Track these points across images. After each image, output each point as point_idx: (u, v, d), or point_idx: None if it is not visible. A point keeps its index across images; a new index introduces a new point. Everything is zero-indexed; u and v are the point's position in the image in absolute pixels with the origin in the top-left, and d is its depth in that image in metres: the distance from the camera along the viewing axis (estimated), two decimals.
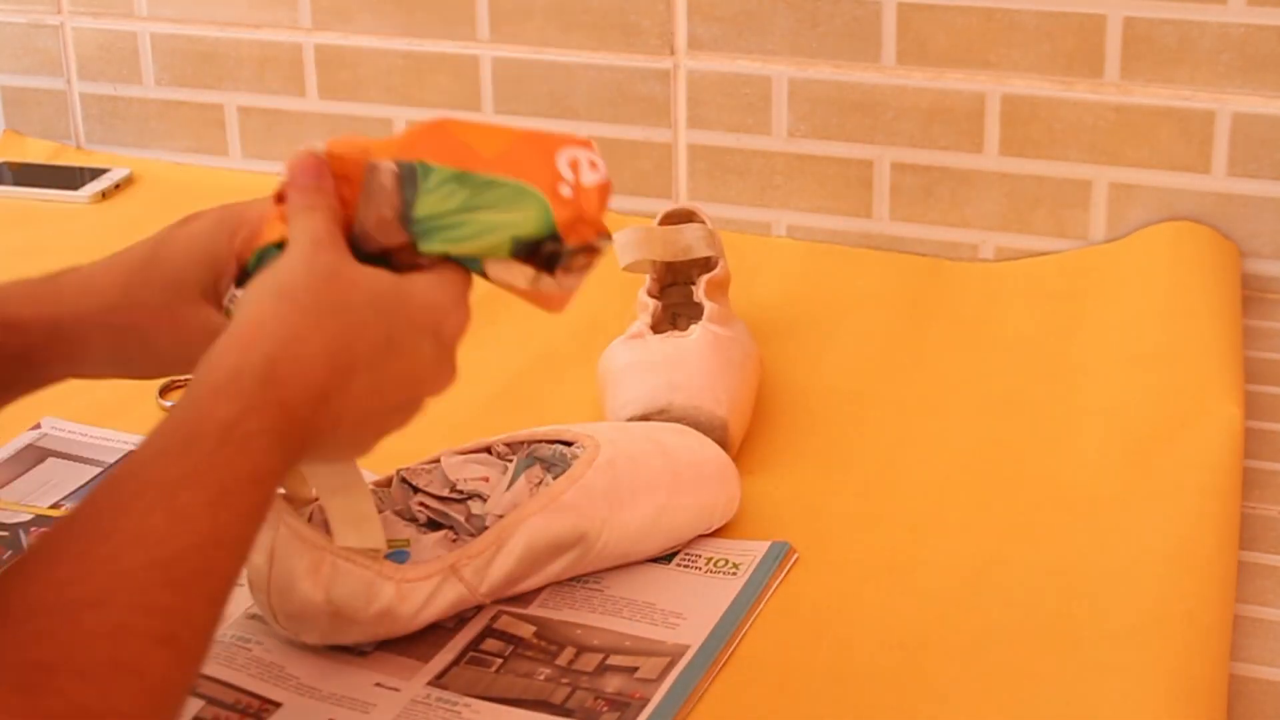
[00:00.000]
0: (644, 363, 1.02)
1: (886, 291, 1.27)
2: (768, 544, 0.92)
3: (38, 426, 1.07)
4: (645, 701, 0.79)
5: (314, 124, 1.51)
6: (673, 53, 1.37)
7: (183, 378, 1.14)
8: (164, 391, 1.13)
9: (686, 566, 0.90)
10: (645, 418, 0.98)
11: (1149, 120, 1.26)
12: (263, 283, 0.69)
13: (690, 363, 1.01)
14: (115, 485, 0.61)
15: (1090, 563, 0.90)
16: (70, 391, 1.13)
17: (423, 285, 0.74)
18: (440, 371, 0.75)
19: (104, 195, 1.50)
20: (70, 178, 1.52)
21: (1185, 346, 1.11)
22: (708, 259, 1.13)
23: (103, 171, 1.53)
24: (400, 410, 0.73)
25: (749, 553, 0.91)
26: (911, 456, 1.03)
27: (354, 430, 0.71)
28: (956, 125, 1.31)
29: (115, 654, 0.56)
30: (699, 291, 1.09)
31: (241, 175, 1.54)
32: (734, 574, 0.89)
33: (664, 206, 1.39)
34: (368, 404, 0.70)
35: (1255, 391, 1.10)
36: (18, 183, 1.53)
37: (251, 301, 0.69)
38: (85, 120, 1.59)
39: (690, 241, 1.13)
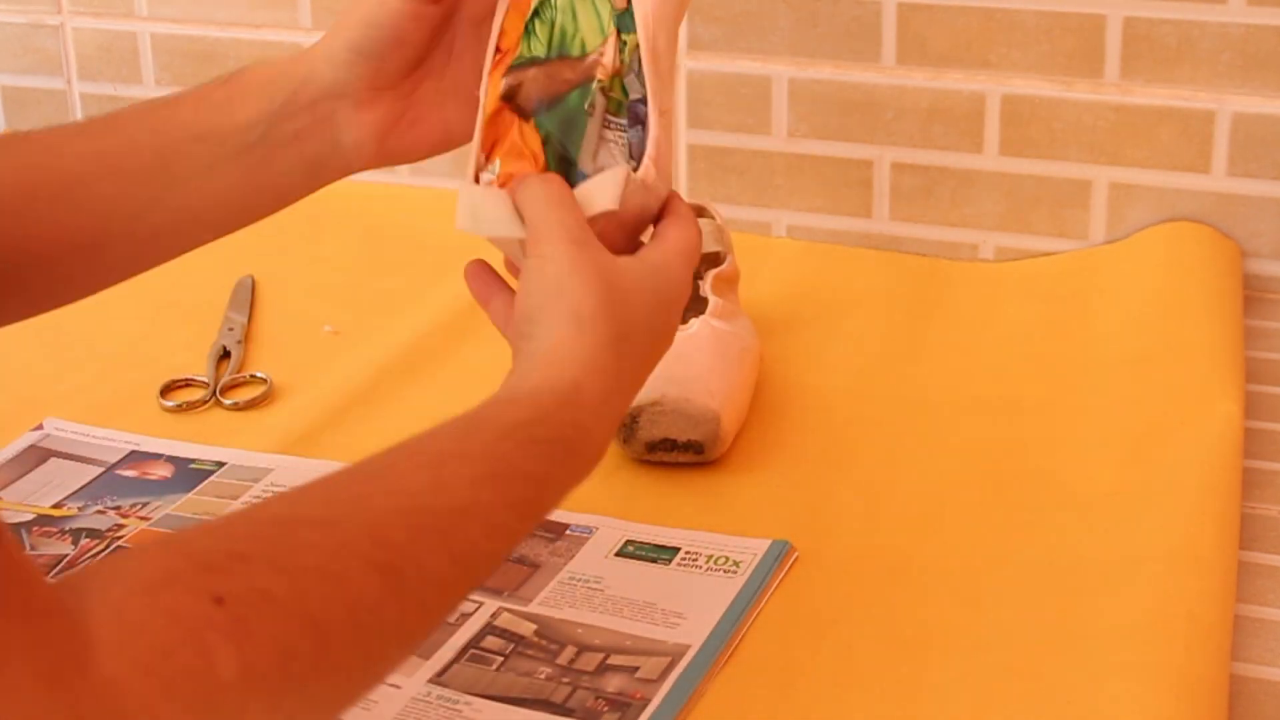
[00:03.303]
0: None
1: (886, 291, 1.27)
2: (768, 542, 0.92)
3: (40, 427, 1.08)
4: (646, 702, 0.79)
5: None
6: None
7: (184, 376, 1.14)
8: (165, 391, 1.13)
9: (687, 565, 0.90)
10: (638, 409, 0.99)
11: (1149, 120, 1.26)
12: (555, 307, 0.71)
13: (687, 356, 1.01)
14: (386, 452, 0.62)
15: (1090, 562, 0.90)
16: (72, 392, 1.13)
17: (673, 240, 0.77)
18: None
19: None
20: None
21: (1185, 346, 1.11)
22: (715, 254, 1.13)
23: None
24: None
25: (749, 551, 0.91)
26: (911, 456, 1.03)
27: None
28: (956, 125, 1.31)
29: (324, 563, 0.55)
30: (705, 286, 1.09)
31: None
32: (734, 572, 0.89)
33: None
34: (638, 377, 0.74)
35: (1255, 391, 1.10)
36: None
37: (549, 326, 0.70)
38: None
39: None
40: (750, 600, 0.87)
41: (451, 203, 1.55)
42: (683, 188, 1.40)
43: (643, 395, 0.99)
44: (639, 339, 0.72)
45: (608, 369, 0.69)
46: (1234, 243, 1.26)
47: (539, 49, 0.79)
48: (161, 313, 1.26)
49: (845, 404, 1.10)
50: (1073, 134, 1.28)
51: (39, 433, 1.07)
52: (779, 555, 0.91)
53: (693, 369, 1.01)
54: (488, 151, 0.79)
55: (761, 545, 0.91)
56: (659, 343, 0.75)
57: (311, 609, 0.54)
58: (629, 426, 0.99)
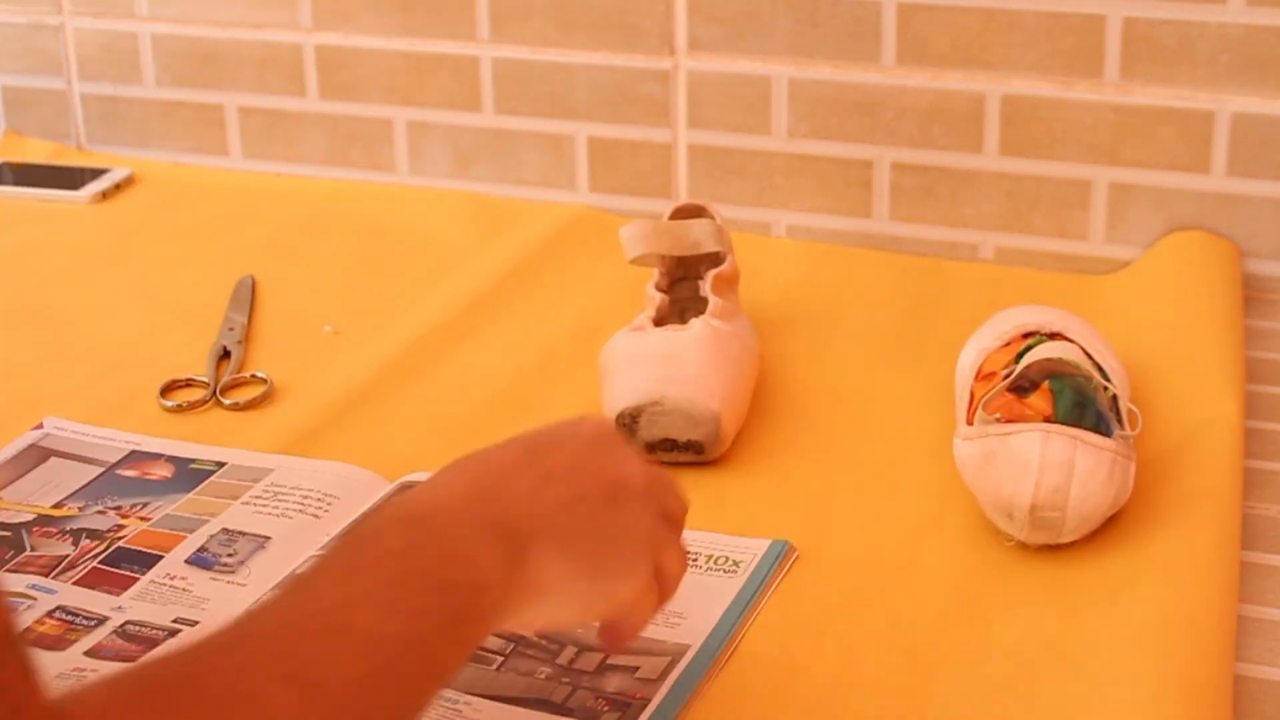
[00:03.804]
0: (642, 355, 1.03)
1: (886, 291, 1.27)
2: (768, 542, 0.92)
3: (40, 426, 1.08)
4: (646, 701, 0.79)
5: (314, 124, 1.51)
6: (673, 53, 1.37)
7: (184, 376, 1.14)
8: (165, 391, 1.13)
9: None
10: (638, 409, 0.99)
11: (1149, 120, 1.26)
12: None
13: (686, 356, 1.02)
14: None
15: (1090, 565, 0.90)
16: (73, 392, 1.13)
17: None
18: (626, 468, 0.73)
19: (104, 195, 1.50)
20: (71, 178, 1.52)
21: (1185, 346, 1.11)
22: (716, 254, 1.13)
23: (103, 172, 1.53)
24: (609, 538, 0.71)
25: (749, 551, 0.91)
26: (912, 456, 1.03)
27: (556, 560, 0.68)
28: (956, 125, 1.31)
29: (237, 685, 0.55)
30: (705, 286, 1.09)
31: (242, 175, 1.54)
32: (734, 572, 0.89)
33: (664, 206, 1.39)
34: (533, 498, 0.69)
35: (1255, 391, 1.10)
36: (18, 183, 1.53)
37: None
38: (86, 120, 1.60)
39: (698, 237, 1.13)
40: (750, 600, 0.87)
41: (452, 203, 1.56)
42: (683, 188, 1.40)
43: (643, 394, 0.99)
44: (494, 447, 0.72)
45: (448, 468, 0.70)
46: (1233, 243, 1.26)
47: None
48: (161, 313, 1.26)
49: (844, 404, 1.10)
50: (1073, 134, 1.28)
51: (39, 432, 1.07)
52: (779, 555, 0.91)
53: (693, 369, 1.01)
54: None
55: (761, 545, 0.91)
56: (519, 448, 0.72)
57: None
58: (629, 427, 0.99)
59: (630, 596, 0.72)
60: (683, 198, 1.40)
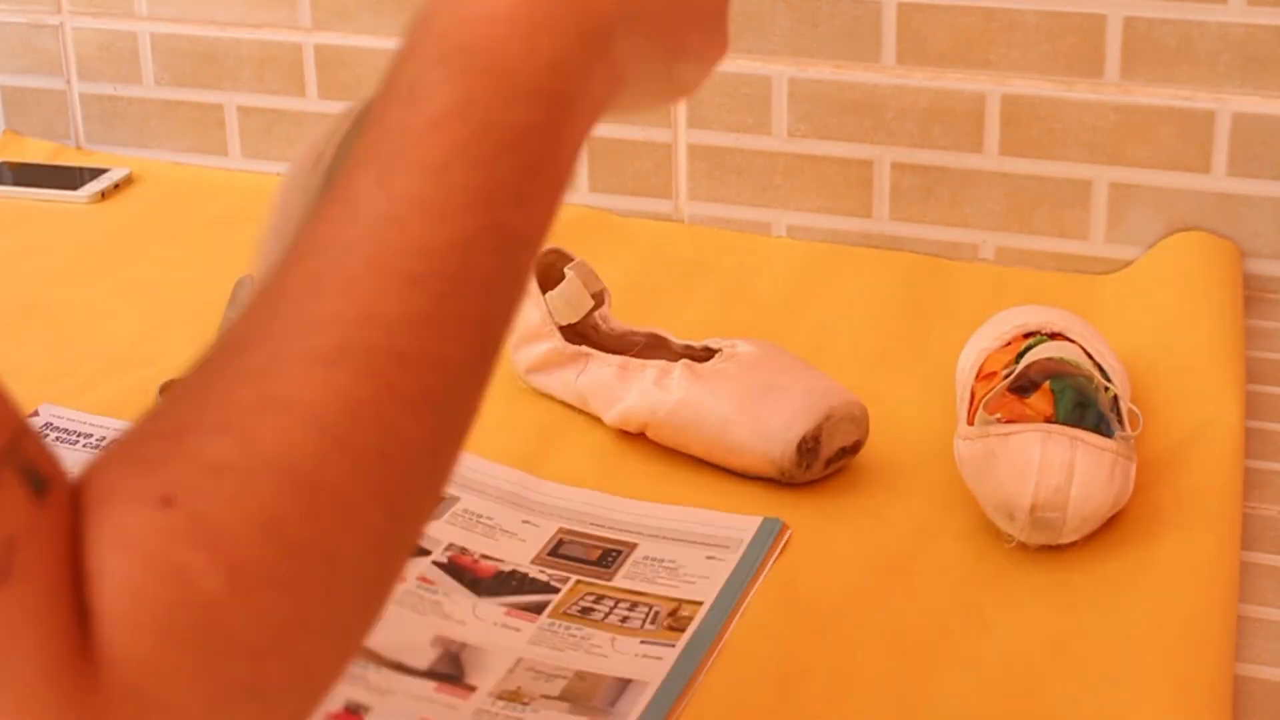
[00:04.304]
0: (755, 386, 1.00)
1: (886, 291, 1.27)
2: (759, 520, 0.93)
3: (36, 414, 1.08)
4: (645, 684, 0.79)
5: (314, 124, 1.50)
6: None
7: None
8: (164, 390, 1.13)
9: (679, 540, 0.91)
10: (817, 429, 0.97)
11: (1149, 120, 1.26)
12: None
13: (783, 372, 1.01)
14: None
15: (1091, 565, 0.90)
16: (72, 391, 1.13)
17: None
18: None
19: (103, 195, 1.50)
20: (70, 178, 1.52)
21: (1185, 346, 1.11)
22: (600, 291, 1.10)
23: (102, 171, 1.53)
24: (686, 11, 0.59)
25: (741, 530, 0.92)
26: (912, 457, 1.03)
27: (640, 44, 0.56)
28: (956, 125, 1.31)
29: (261, 392, 0.45)
30: (611, 323, 1.09)
31: (241, 175, 1.54)
32: (726, 549, 0.90)
33: (664, 206, 1.39)
34: (615, 4, 0.54)
35: (1255, 391, 1.10)
36: (17, 183, 1.53)
37: None
38: (85, 120, 1.59)
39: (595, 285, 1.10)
40: (744, 581, 0.88)
41: None
42: (683, 188, 1.40)
43: (811, 416, 0.97)
44: None
45: None
46: (1233, 243, 1.26)
47: None
48: (161, 312, 1.26)
49: None
50: (1073, 134, 1.28)
51: (35, 419, 1.07)
52: (772, 533, 0.92)
53: (805, 379, 1.00)
54: None
55: (753, 523, 0.92)
56: None
57: (274, 456, 0.44)
58: (811, 452, 0.97)
59: (700, 79, 0.62)
60: (683, 197, 1.40)
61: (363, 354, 0.46)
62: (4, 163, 1.57)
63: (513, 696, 0.78)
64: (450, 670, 0.80)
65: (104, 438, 1.05)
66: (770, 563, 0.90)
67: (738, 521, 0.93)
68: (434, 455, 0.48)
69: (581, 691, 0.79)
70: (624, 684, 0.79)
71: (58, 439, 1.04)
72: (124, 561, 0.42)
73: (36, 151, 1.59)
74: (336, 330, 0.46)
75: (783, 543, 0.92)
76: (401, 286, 0.47)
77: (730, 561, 0.89)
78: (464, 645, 0.82)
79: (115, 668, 0.41)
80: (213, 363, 0.47)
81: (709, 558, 0.90)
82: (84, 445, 1.04)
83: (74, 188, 1.50)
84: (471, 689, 0.79)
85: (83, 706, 0.41)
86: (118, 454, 0.45)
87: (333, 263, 0.47)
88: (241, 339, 0.47)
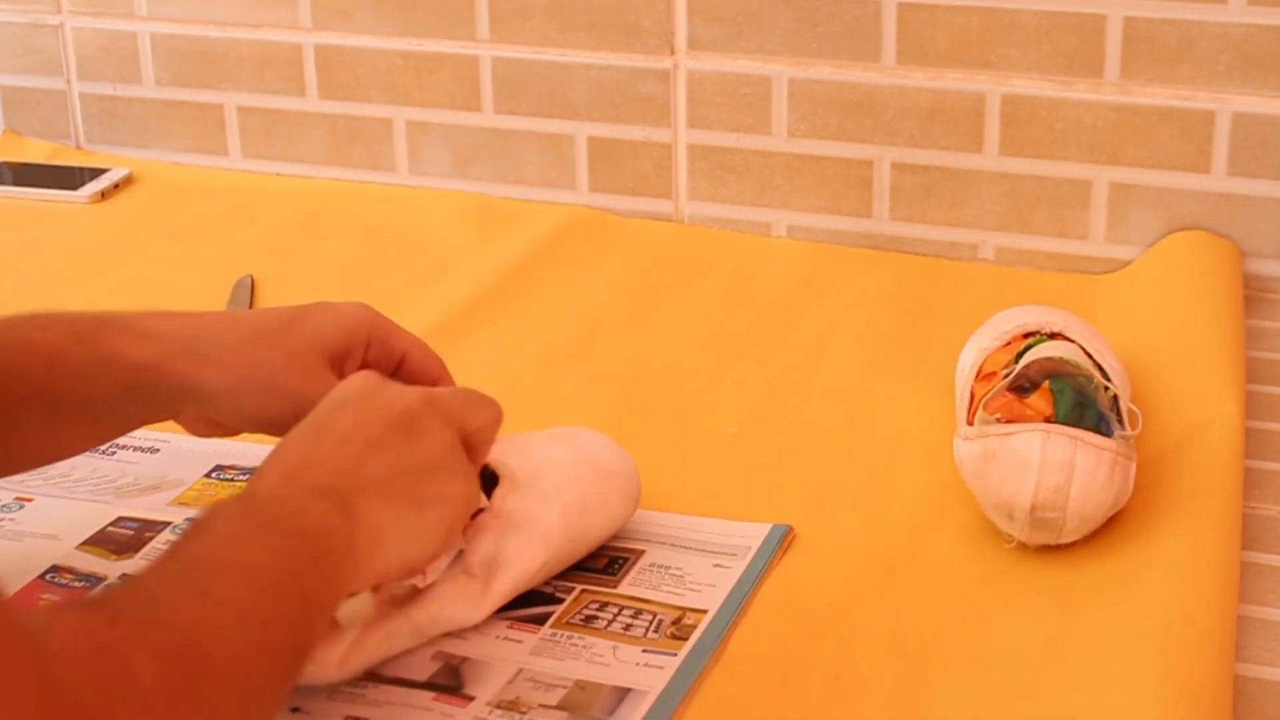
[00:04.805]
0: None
1: (886, 291, 1.27)
2: (769, 526, 0.93)
3: None
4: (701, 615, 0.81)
5: (314, 124, 1.51)
6: (673, 53, 1.37)
7: None
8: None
9: (688, 548, 0.91)
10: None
11: (1149, 120, 1.26)
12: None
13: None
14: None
15: (1090, 565, 0.90)
16: None
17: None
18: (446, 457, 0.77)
19: (103, 195, 1.50)
20: (69, 178, 1.52)
21: (1185, 346, 1.11)
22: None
23: (102, 171, 1.53)
24: (414, 469, 0.75)
25: (750, 535, 0.92)
26: (912, 457, 1.03)
27: (379, 505, 0.73)
28: (956, 125, 1.31)
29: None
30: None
31: (241, 175, 1.54)
32: (734, 556, 0.90)
33: (664, 206, 1.39)
34: (348, 462, 0.74)
35: (1255, 391, 1.10)
36: (17, 183, 1.53)
37: None
38: (85, 120, 1.59)
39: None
40: (751, 585, 0.88)
41: (452, 203, 1.55)
42: (683, 187, 1.40)
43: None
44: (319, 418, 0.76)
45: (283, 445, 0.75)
46: (1233, 243, 1.26)
47: None
48: None
49: (844, 404, 1.10)
50: (1073, 134, 1.28)
51: None
52: (779, 538, 0.92)
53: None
54: None
55: (762, 529, 0.92)
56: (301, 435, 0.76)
57: (187, 622, 0.61)
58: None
59: (463, 510, 0.77)
60: (683, 197, 1.40)
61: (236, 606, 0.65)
62: (4, 163, 1.57)
63: (511, 706, 0.78)
64: (449, 681, 0.80)
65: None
66: (774, 566, 0.90)
67: (747, 529, 0.93)
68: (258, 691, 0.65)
69: (580, 701, 0.78)
70: (624, 693, 0.79)
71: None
72: (86, 651, 0.57)
73: (36, 151, 1.59)
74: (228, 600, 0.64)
75: (787, 545, 0.92)
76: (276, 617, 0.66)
77: (737, 569, 0.89)
78: (464, 659, 0.81)
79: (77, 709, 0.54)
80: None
81: (716, 565, 0.90)
82: None
83: (74, 188, 1.50)
84: (470, 699, 0.79)
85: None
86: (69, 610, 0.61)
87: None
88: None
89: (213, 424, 0.86)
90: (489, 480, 0.86)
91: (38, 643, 0.54)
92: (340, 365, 0.85)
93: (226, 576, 0.65)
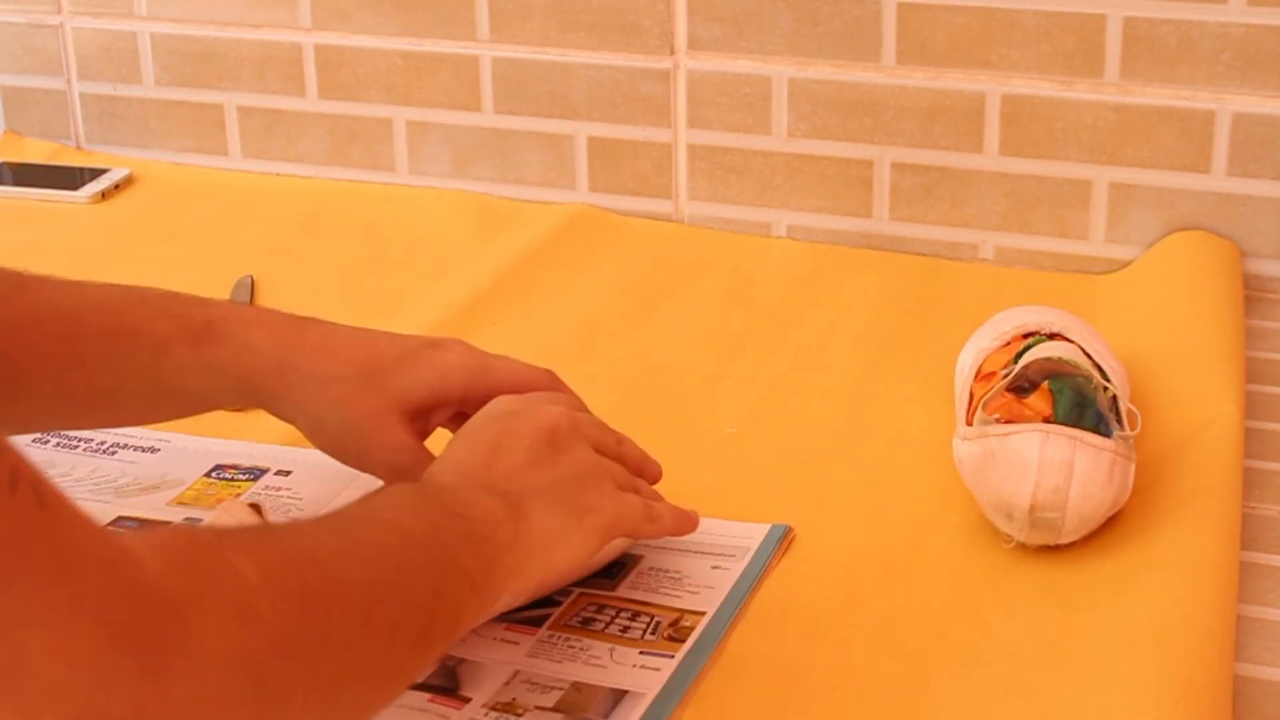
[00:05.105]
0: None
1: (886, 291, 1.27)
2: (768, 526, 0.92)
3: None
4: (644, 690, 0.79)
5: (314, 124, 1.51)
6: (673, 53, 1.37)
7: None
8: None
9: (686, 550, 0.91)
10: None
11: (1149, 120, 1.26)
12: None
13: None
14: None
15: (1090, 565, 0.90)
16: None
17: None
18: (569, 444, 0.83)
19: (103, 195, 1.50)
20: (70, 178, 1.52)
21: (1185, 346, 1.11)
22: None
23: (102, 172, 1.53)
24: (570, 479, 0.81)
25: (749, 536, 0.92)
26: (912, 457, 1.03)
27: (534, 500, 0.78)
28: (956, 125, 1.31)
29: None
30: None
31: (241, 175, 1.54)
32: (733, 557, 0.90)
33: (664, 206, 1.39)
34: (515, 473, 0.79)
35: (1255, 391, 1.10)
36: (17, 183, 1.53)
37: None
38: (85, 120, 1.59)
39: None
40: (749, 586, 0.88)
41: (452, 203, 1.55)
42: (683, 188, 1.40)
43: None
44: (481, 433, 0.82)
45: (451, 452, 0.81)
46: (1233, 243, 1.26)
47: None
48: None
49: (844, 405, 1.10)
50: (1073, 134, 1.28)
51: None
52: (778, 539, 0.92)
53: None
54: None
55: (761, 530, 0.92)
56: (508, 438, 0.82)
57: (309, 544, 0.63)
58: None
59: (616, 514, 0.81)
60: (683, 197, 1.40)
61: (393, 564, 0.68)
62: (4, 163, 1.57)
63: (506, 708, 0.78)
64: (446, 683, 0.80)
65: (104, 441, 1.04)
66: (773, 567, 0.90)
67: (746, 529, 0.93)
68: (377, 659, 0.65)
69: (576, 702, 0.78)
70: (620, 694, 0.79)
71: (59, 444, 1.04)
72: (185, 545, 0.57)
73: (36, 151, 1.59)
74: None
75: (786, 546, 0.92)
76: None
77: (735, 570, 0.89)
78: (461, 660, 0.81)
79: (160, 593, 0.53)
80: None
81: (714, 567, 0.89)
82: (84, 450, 1.04)
83: (74, 188, 1.50)
84: (465, 700, 0.78)
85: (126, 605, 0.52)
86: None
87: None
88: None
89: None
90: None
91: (123, 546, 0.53)
92: (427, 417, 0.90)
93: (371, 525, 0.68)
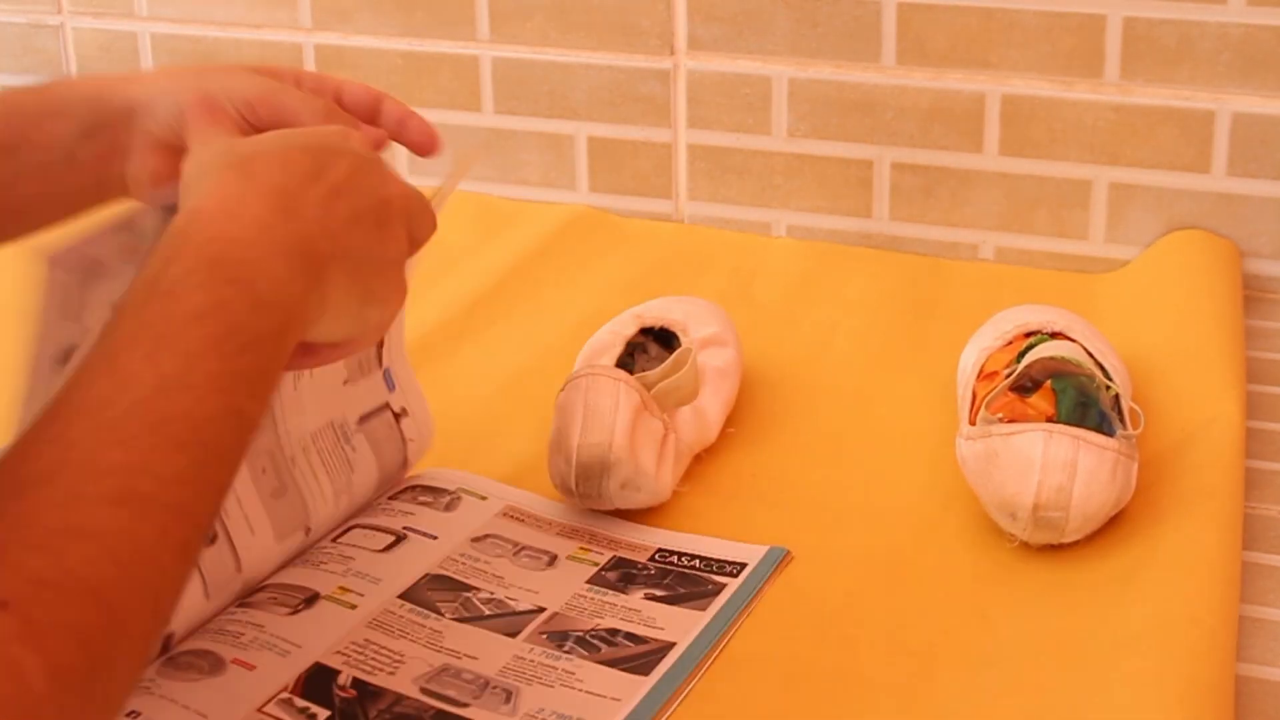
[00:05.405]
0: None
1: (886, 291, 1.27)
2: (765, 548, 0.92)
3: None
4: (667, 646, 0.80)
5: None
6: (673, 53, 1.37)
7: None
8: None
9: (682, 566, 0.90)
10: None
11: (1149, 120, 1.26)
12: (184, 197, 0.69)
13: None
14: (74, 379, 0.60)
15: (1092, 564, 0.90)
16: None
17: (311, 124, 0.76)
18: (378, 178, 0.73)
19: None
20: None
21: (1186, 346, 1.11)
22: None
23: None
24: (376, 227, 0.71)
25: (747, 556, 0.91)
26: (913, 457, 1.03)
27: (335, 247, 0.69)
28: (956, 125, 1.31)
29: (66, 520, 0.54)
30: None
31: None
32: (734, 576, 0.89)
33: (664, 206, 1.40)
34: (322, 216, 0.69)
35: (1255, 391, 1.10)
36: None
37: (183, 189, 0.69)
38: None
39: None
40: (742, 604, 0.86)
41: (452, 203, 1.55)
42: (683, 188, 1.40)
43: None
44: (265, 154, 0.70)
45: (228, 181, 0.68)
46: (1233, 243, 1.26)
47: None
48: None
49: (845, 404, 1.10)
50: (1073, 134, 1.28)
51: None
52: (775, 561, 0.90)
53: None
54: None
55: (759, 551, 0.91)
56: (322, 182, 0.70)
57: (81, 573, 0.54)
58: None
59: (379, 323, 0.73)
60: (683, 197, 1.40)
61: (143, 500, 0.57)
62: None
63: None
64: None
65: None
66: (768, 588, 0.89)
67: (742, 551, 0.91)
68: (177, 591, 0.59)
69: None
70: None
71: None
72: None
73: None
74: (122, 477, 0.57)
75: (783, 569, 0.90)
76: (171, 449, 0.58)
77: (720, 601, 0.87)
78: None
79: None
80: (14, 486, 0.56)
81: (703, 595, 0.88)
82: None
83: None
84: None
85: None
86: None
87: (111, 421, 0.58)
88: (37, 470, 0.56)
89: (161, 151, 0.81)
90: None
91: None
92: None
93: (159, 445, 0.59)
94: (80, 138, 0.83)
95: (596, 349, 1.02)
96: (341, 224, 0.69)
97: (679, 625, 0.84)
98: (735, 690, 0.81)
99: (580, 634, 0.84)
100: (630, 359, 1.04)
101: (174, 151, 0.78)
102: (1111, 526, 0.92)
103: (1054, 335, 1.01)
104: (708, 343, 1.05)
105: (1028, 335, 1.02)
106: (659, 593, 0.88)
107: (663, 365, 0.97)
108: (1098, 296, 1.23)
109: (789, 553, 0.91)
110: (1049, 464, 0.88)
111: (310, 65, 1.49)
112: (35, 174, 0.83)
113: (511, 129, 1.44)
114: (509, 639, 0.83)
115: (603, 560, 0.91)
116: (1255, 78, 1.23)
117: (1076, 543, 0.90)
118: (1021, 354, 0.97)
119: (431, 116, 1.46)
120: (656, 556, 0.91)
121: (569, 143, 1.42)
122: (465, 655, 0.82)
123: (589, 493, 0.92)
